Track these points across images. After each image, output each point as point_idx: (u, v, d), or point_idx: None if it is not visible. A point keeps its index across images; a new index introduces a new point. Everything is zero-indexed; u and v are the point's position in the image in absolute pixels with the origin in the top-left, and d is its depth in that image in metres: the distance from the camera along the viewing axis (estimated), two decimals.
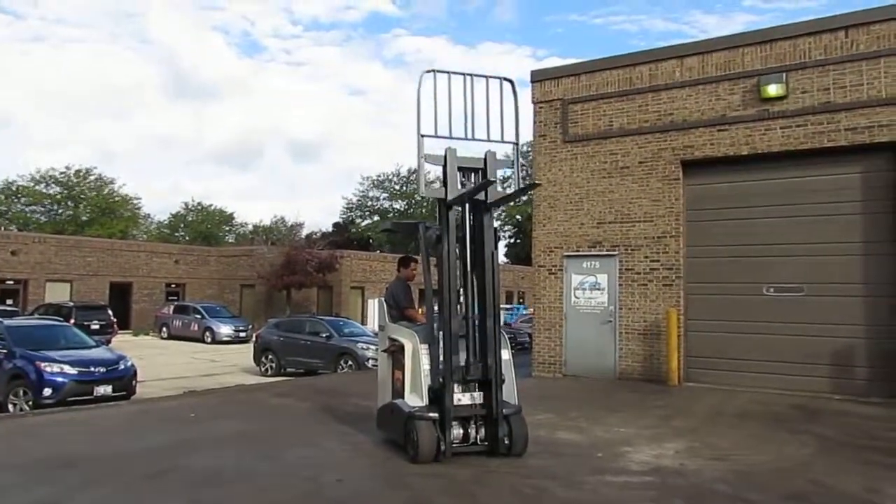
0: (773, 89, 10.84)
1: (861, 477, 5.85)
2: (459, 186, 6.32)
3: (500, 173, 6.76)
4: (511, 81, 6.77)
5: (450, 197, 6.19)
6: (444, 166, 6.30)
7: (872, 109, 10.23)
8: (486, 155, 6.44)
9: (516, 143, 6.78)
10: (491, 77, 6.61)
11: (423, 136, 6.28)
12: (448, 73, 6.42)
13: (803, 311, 10.72)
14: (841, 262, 10.53)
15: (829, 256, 10.60)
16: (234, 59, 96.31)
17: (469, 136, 6.47)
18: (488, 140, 6.50)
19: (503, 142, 6.56)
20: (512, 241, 59.65)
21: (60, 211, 54.70)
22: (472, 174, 6.45)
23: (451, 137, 6.37)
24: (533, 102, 13.23)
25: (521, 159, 7.05)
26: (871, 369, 10.25)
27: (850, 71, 10.43)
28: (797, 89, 10.77)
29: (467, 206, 6.34)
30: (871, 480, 5.75)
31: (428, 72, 6.36)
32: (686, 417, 8.62)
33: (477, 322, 6.26)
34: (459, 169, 6.37)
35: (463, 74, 6.52)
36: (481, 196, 6.27)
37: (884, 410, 9.17)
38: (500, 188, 6.79)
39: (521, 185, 6.94)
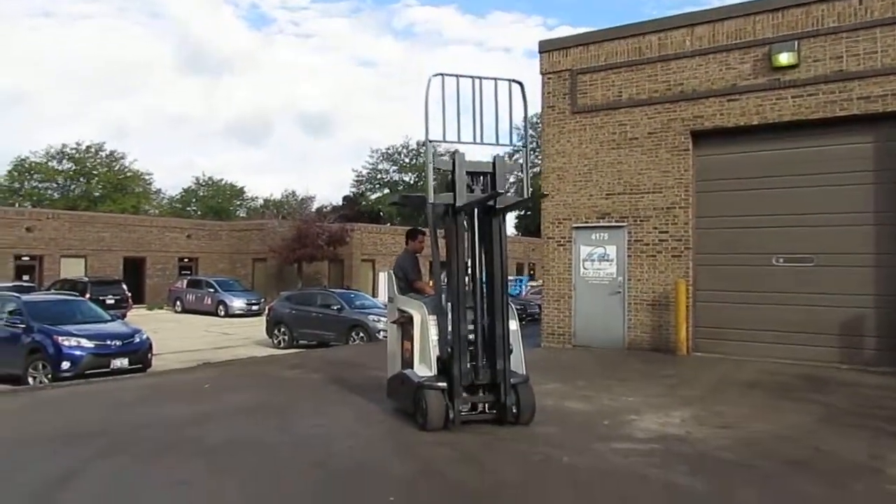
0: (784, 58, 10.71)
1: (866, 444, 5.92)
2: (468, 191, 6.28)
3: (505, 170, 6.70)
4: (520, 84, 6.74)
5: (458, 203, 6.18)
6: (453, 171, 6.25)
7: (886, 77, 10.09)
8: (494, 159, 6.42)
9: (525, 147, 6.78)
10: (500, 79, 6.57)
11: (431, 141, 6.25)
12: (456, 76, 6.36)
13: (813, 281, 10.72)
14: (851, 232, 10.49)
15: (840, 227, 10.56)
16: (244, 32, 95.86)
17: (478, 139, 6.43)
18: (497, 144, 6.47)
19: (512, 145, 6.54)
20: (522, 213, 59.50)
21: (73, 187, 55.04)
22: (481, 178, 6.42)
23: (459, 142, 6.34)
24: (541, 73, 13.14)
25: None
26: (879, 339, 10.27)
27: (864, 38, 10.28)
28: (809, 57, 10.64)
29: (476, 210, 6.35)
30: (876, 448, 5.81)
31: (436, 75, 6.33)
32: (693, 387, 8.70)
33: (485, 303, 6.31)
34: (468, 173, 6.34)
35: (471, 77, 6.45)
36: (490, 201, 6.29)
37: (892, 380, 9.20)
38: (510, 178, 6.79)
39: (529, 194, 6.98)
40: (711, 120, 11.42)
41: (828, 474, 5.07)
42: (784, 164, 11.01)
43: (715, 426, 6.58)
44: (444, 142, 6.30)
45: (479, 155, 6.53)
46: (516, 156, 6.53)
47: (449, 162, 6.30)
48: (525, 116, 6.70)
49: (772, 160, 11.13)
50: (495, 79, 6.55)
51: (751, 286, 11.17)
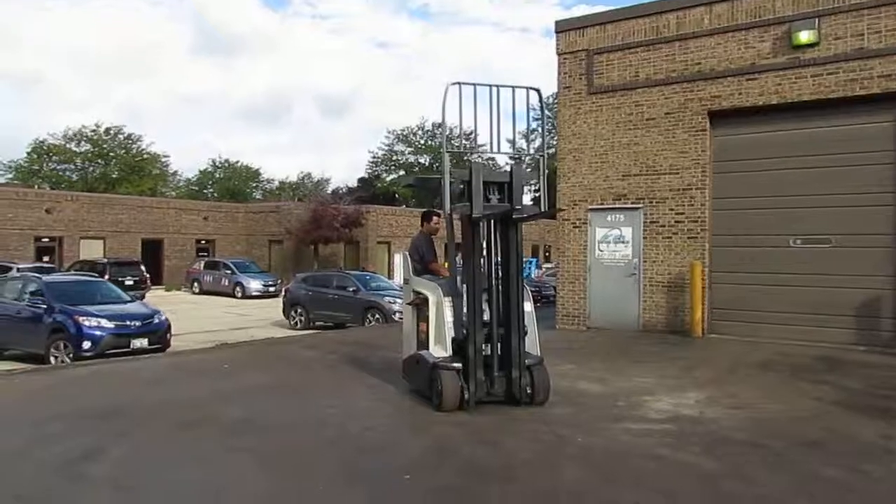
0: (804, 36, 10.55)
1: (879, 426, 5.91)
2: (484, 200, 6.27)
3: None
4: (538, 91, 6.73)
5: (475, 213, 6.17)
6: (470, 181, 6.21)
7: None
8: (511, 168, 6.40)
9: (543, 155, 6.73)
10: (517, 87, 6.54)
11: (448, 151, 6.25)
12: (474, 84, 6.33)
13: (830, 262, 10.63)
14: (870, 212, 10.38)
15: (858, 207, 10.45)
16: (260, 13, 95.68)
17: (495, 148, 6.40)
18: (514, 154, 6.47)
19: (529, 155, 6.51)
20: (538, 194, 59.39)
21: (91, 169, 55.55)
22: (496, 187, 6.40)
23: (476, 151, 6.33)
24: (558, 54, 13.03)
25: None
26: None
27: (887, 15, 10.09)
28: (830, 35, 10.47)
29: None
30: (888, 428, 5.81)
31: (453, 84, 6.30)
32: (707, 368, 8.71)
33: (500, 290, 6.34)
34: (485, 183, 6.31)
35: (489, 85, 6.42)
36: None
37: None
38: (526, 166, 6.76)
39: (547, 208, 6.99)
40: (729, 100, 11.30)
41: (841, 455, 5.08)
42: (802, 145, 10.88)
43: (729, 407, 6.60)
44: (461, 151, 6.29)
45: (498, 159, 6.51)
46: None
47: (466, 172, 6.26)
48: (543, 124, 6.72)
49: (790, 140, 11.00)
50: (513, 87, 6.52)
51: (767, 268, 11.10)
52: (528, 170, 6.64)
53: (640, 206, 12.11)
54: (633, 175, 12.20)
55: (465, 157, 6.29)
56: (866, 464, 4.87)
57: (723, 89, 11.36)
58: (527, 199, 6.51)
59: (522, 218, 6.42)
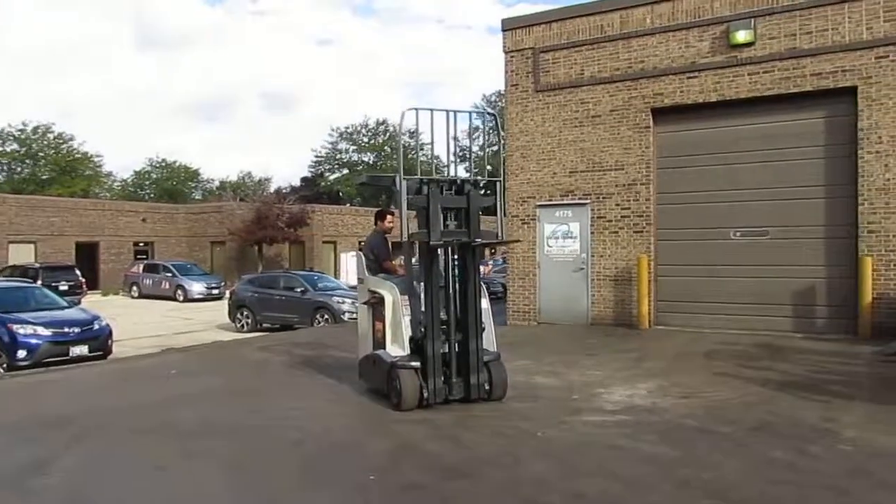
0: (741, 35, 10.94)
1: (819, 408, 6.20)
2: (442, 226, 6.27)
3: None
4: (494, 115, 6.83)
5: (433, 241, 6.15)
6: (427, 207, 6.20)
7: (836, 55, 10.41)
8: (468, 194, 6.38)
9: (502, 180, 6.81)
10: (474, 112, 6.62)
11: (404, 178, 6.19)
12: (430, 109, 6.35)
13: (768, 253, 11.07)
14: (804, 205, 10.85)
15: (794, 200, 10.90)
16: (198, 7, 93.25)
17: (453, 174, 6.42)
18: (472, 177, 6.44)
19: (487, 179, 6.52)
20: (484, 193, 59.71)
21: (19, 169, 53.21)
22: (454, 213, 6.40)
23: (432, 179, 6.28)
24: (504, 52, 13.16)
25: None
26: (829, 308, 10.69)
27: (816, 16, 10.56)
28: (765, 35, 10.88)
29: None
30: (829, 411, 6.09)
31: (409, 110, 6.32)
32: (657, 359, 8.95)
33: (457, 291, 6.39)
34: (443, 208, 6.30)
35: (445, 111, 6.47)
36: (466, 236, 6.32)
37: (841, 346, 9.59)
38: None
39: (505, 237, 7.05)
40: (671, 97, 11.63)
41: (788, 438, 5.30)
42: (741, 140, 11.29)
43: (680, 396, 6.81)
44: (419, 178, 6.23)
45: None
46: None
47: (424, 199, 6.24)
48: (500, 148, 6.77)
49: (729, 136, 11.40)
50: (469, 111, 6.63)
51: (710, 260, 11.49)
52: (484, 193, 6.64)
53: (587, 201, 12.35)
54: (580, 171, 12.42)
55: (423, 183, 6.26)
56: (812, 445, 5.10)
57: (665, 87, 11.68)
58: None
59: (482, 244, 6.46)
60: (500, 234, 6.93)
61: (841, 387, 7.13)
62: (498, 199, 6.73)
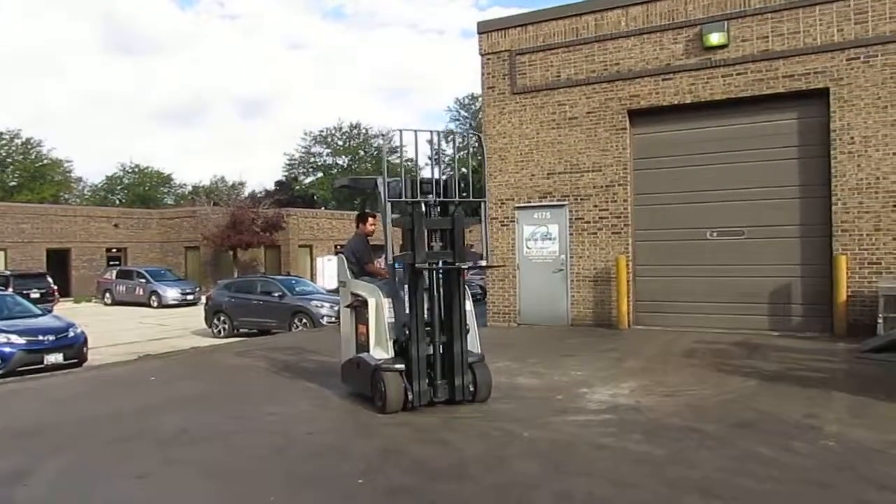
0: (715, 38, 11.09)
1: (800, 404, 6.28)
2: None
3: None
4: (479, 136, 6.89)
5: (418, 263, 6.14)
6: (413, 228, 6.19)
7: (808, 56, 10.59)
8: (453, 215, 6.38)
9: (484, 200, 6.82)
10: (458, 133, 6.61)
11: (389, 200, 6.17)
12: (415, 130, 6.35)
13: (744, 253, 11.22)
14: (779, 205, 11.01)
15: (768, 200, 11.06)
16: (169, 11, 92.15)
17: (438, 194, 6.40)
18: (457, 198, 6.41)
19: (472, 200, 6.54)
20: (463, 195, 59.76)
21: None
22: (439, 233, 6.42)
23: (417, 200, 6.25)
24: (480, 54, 13.20)
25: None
26: (805, 306, 10.85)
27: (788, 18, 10.73)
28: (738, 37, 11.04)
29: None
30: (810, 407, 6.18)
31: (395, 131, 6.33)
32: (637, 358, 9.01)
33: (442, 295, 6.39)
34: (429, 231, 6.31)
35: (430, 131, 6.51)
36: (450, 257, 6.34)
37: (817, 344, 9.75)
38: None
39: (492, 262, 7.01)
40: (647, 99, 11.74)
41: (771, 434, 5.36)
42: (716, 141, 11.43)
43: (662, 395, 6.86)
44: (404, 200, 6.21)
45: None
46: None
47: (409, 220, 6.23)
48: (483, 165, 6.84)
49: (704, 137, 11.53)
50: (453, 132, 6.58)
51: (687, 260, 11.61)
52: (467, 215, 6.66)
53: (565, 203, 12.41)
54: (558, 173, 12.49)
55: (408, 206, 6.26)
56: (795, 441, 5.16)
57: (640, 89, 11.79)
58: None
59: (468, 266, 6.47)
60: (485, 256, 6.90)
61: (821, 384, 7.24)
62: (482, 220, 6.74)
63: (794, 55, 10.69)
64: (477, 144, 7.05)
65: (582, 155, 12.27)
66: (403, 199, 6.23)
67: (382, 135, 6.25)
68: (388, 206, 6.22)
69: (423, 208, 6.30)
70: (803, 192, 10.88)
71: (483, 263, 7.02)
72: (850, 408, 6.28)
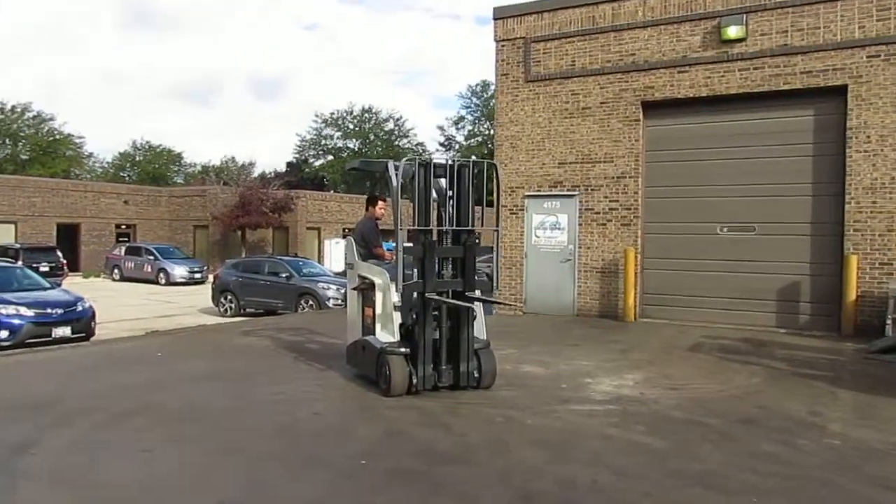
0: (733, 31, 10.97)
1: (805, 402, 6.27)
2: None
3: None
4: (494, 165, 6.91)
5: (427, 292, 6.16)
6: (423, 258, 6.20)
7: (827, 53, 10.47)
8: (465, 245, 6.40)
9: (497, 230, 6.88)
10: (475, 160, 6.57)
11: (401, 228, 6.17)
12: (430, 160, 6.38)
13: (754, 249, 11.16)
14: (791, 202, 10.93)
15: (781, 197, 10.98)
16: None
17: (451, 223, 6.41)
18: (471, 227, 6.41)
19: (485, 228, 6.54)
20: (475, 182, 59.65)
21: None
22: (450, 262, 6.43)
23: (430, 228, 6.27)
24: (495, 41, 13.11)
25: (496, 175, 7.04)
26: (813, 304, 10.80)
27: (808, 14, 10.61)
28: (756, 31, 10.92)
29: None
30: (815, 405, 6.16)
31: (409, 160, 6.31)
32: (643, 351, 9.00)
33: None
34: (439, 259, 6.33)
35: (445, 160, 6.51)
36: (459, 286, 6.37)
37: (824, 343, 9.70)
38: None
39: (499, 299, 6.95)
40: (662, 91, 11.64)
41: (775, 431, 5.36)
42: (730, 136, 11.34)
43: (666, 388, 6.85)
44: (418, 228, 6.22)
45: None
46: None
47: (420, 250, 6.22)
48: (497, 195, 6.95)
49: (718, 132, 11.44)
50: (471, 160, 6.53)
51: (695, 254, 11.56)
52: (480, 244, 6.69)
53: (575, 193, 12.36)
54: (569, 163, 12.43)
55: (423, 235, 6.30)
56: (799, 438, 5.15)
57: (655, 80, 11.69)
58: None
59: (476, 299, 6.49)
60: (495, 279, 6.87)
61: (826, 382, 7.22)
62: (494, 247, 6.75)
63: (813, 51, 10.57)
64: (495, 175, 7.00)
65: (594, 145, 12.20)
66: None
67: (396, 165, 6.24)
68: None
69: (435, 236, 6.36)
70: (816, 190, 10.80)
71: (493, 285, 6.99)
72: (856, 408, 6.26)
